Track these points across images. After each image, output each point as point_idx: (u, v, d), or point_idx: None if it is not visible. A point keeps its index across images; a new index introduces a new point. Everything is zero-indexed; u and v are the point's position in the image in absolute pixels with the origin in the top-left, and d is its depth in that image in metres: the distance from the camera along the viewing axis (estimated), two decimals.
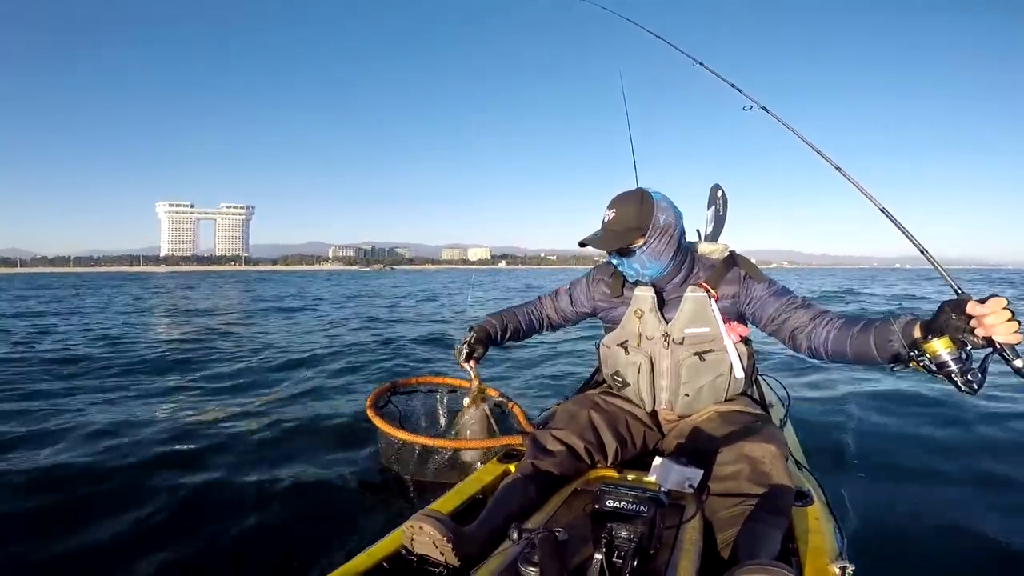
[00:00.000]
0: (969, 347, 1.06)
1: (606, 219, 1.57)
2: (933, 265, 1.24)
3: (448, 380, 2.70)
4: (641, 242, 1.53)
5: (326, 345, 7.06)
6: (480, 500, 1.54)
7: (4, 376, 4.92)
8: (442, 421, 2.48)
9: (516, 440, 1.96)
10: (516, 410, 2.47)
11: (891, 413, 3.79)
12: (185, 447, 2.93)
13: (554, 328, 1.99)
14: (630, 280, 1.66)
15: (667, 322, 1.60)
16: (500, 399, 2.51)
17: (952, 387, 1.07)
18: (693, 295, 1.58)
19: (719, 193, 2.85)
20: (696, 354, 1.58)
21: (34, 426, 3.27)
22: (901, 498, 2.32)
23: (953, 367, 1.06)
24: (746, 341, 1.63)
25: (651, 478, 1.26)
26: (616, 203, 1.57)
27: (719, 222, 2.80)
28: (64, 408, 3.75)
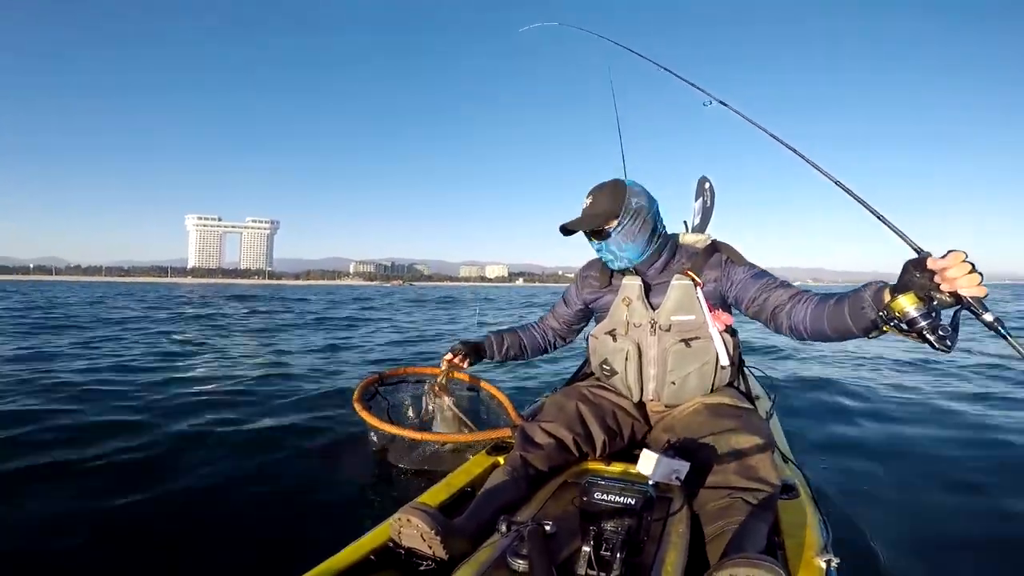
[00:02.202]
0: (936, 303, 1.04)
1: (584, 205, 1.66)
2: (890, 227, 1.17)
3: (435, 370, 2.69)
4: (615, 223, 1.59)
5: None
6: (469, 493, 1.54)
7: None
8: (430, 412, 2.48)
9: (505, 433, 1.97)
10: (505, 402, 2.46)
11: (878, 406, 3.85)
12: (173, 435, 2.91)
13: (563, 338, 2.07)
14: (610, 266, 1.71)
15: (654, 309, 1.63)
16: (477, 385, 2.55)
17: (928, 348, 1.05)
18: (679, 283, 1.62)
19: (706, 185, 2.86)
20: (682, 341, 1.60)
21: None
22: (886, 492, 2.35)
23: (923, 323, 1.05)
24: (732, 331, 1.66)
25: (639, 471, 1.27)
26: (593, 191, 1.67)
27: (706, 213, 2.82)
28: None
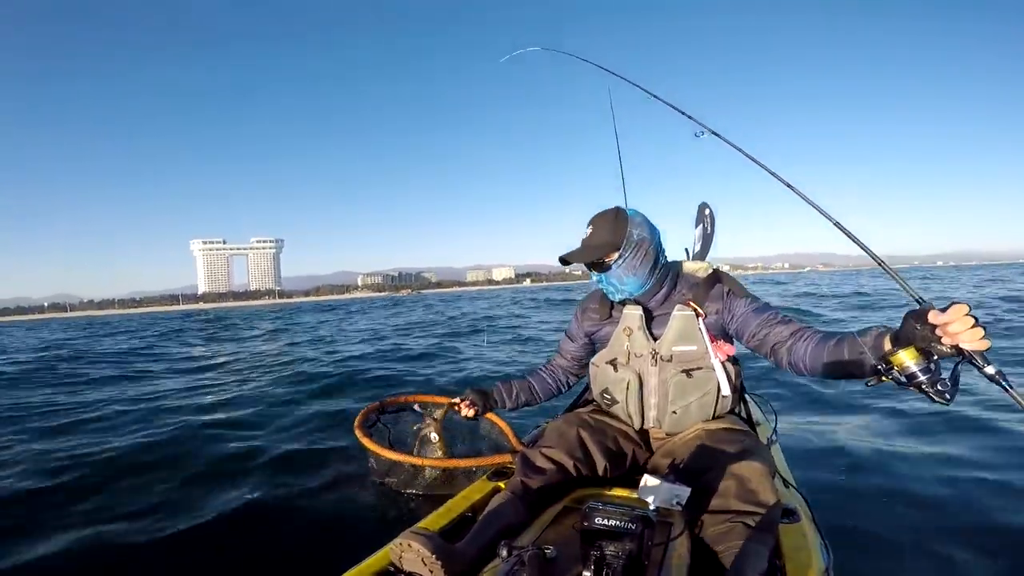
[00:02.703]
0: (936, 356, 1.05)
1: (584, 236, 1.65)
2: (891, 275, 1.24)
3: (435, 398, 2.69)
4: (616, 256, 1.59)
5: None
6: (470, 518, 1.54)
7: None
8: (431, 439, 2.48)
9: (506, 458, 1.96)
10: (506, 428, 2.46)
11: (880, 432, 3.82)
12: (173, 461, 2.90)
13: (575, 375, 2.03)
14: (611, 298, 1.70)
15: (655, 340, 1.64)
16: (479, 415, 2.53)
17: (926, 399, 1.07)
18: (680, 313, 1.62)
19: (707, 211, 2.90)
20: (684, 371, 1.60)
21: None
22: (888, 516, 2.33)
23: (922, 378, 1.06)
24: (734, 360, 1.66)
25: (640, 496, 1.27)
26: (593, 221, 1.65)
27: (707, 240, 2.84)
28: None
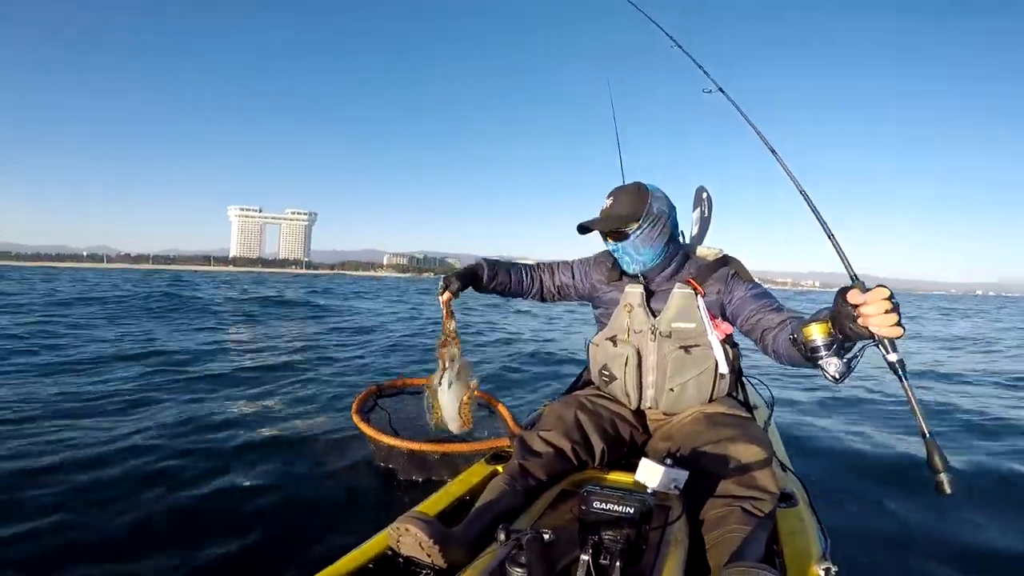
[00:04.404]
0: (850, 334, 1.06)
1: (605, 206, 1.67)
2: (835, 246, 1.25)
3: (429, 380, 2.69)
4: (635, 226, 1.60)
5: None
6: (467, 502, 1.54)
7: None
8: (429, 422, 2.48)
9: (503, 442, 1.97)
10: (503, 411, 2.47)
11: (876, 416, 3.85)
12: (179, 445, 2.91)
13: (543, 298, 1.94)
14: (624, 267, 1.71)
15: (655, 316, 1.64)
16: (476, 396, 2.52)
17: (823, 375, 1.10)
18: (680, 291, 1.63)
19: (704, 195, 2.87)
20: (682, 347, 1.61)
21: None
22: (885, 500, 2.35)
23: (822, 352, 1.09)
24: (732, 343, 1.66)
25: (637, 479, 1.27)
26: (615, 192, 1.68)
27: (704, 224, 2.83)
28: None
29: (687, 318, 1.62)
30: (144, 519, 2.09)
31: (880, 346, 1.02)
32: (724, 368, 1.60)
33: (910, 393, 1.04)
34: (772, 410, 2.37)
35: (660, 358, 1.63)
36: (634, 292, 1.68)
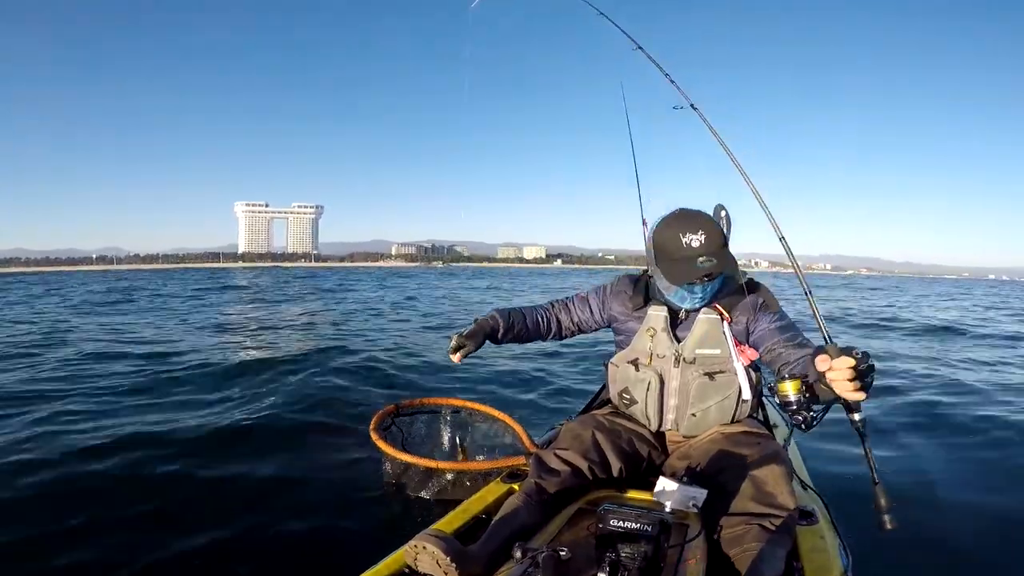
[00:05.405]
0: (816, 392, 1.18)
1: (695, 243, 1.46)
2: (813, 308, 1.41)
3: (450, 401, 2.70)
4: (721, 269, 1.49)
5: None
6: (484, 520, 1.54)
7: None
8: (445, 442, 2.48)
9: (520, 460, 1.96)
10: (519, 430, 2.46)
11: (901, 434, 3.76)
12: (197, 454, 2.94)
13: (562, 336, 1.90)
14: (683, 304, 1.61)
15: (679, 341, 1.61)
16: (491, 415, 2.52)
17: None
18: (706, 317, 1.59)
19: (723, 213, 2.86)
20: (706, 374, 1.58)
21: None
22: (907, 517, 2.29)
23: (793, 407, 1.20)
24: (755, 366, 1.64)
25: (655, 497, 1.26)
26: (699, 225, 1.48)
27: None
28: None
29: (713, 344, 1.58)
30: (153, 536, 2.10)
31: (845, 405, 1.16)
32: (747, 394, 1.57)
33: (868, 450, 1.29)
34: (792, 429, 2.34)
35: (683, 384, 1.61)
36: (657, 316, 1.64)
